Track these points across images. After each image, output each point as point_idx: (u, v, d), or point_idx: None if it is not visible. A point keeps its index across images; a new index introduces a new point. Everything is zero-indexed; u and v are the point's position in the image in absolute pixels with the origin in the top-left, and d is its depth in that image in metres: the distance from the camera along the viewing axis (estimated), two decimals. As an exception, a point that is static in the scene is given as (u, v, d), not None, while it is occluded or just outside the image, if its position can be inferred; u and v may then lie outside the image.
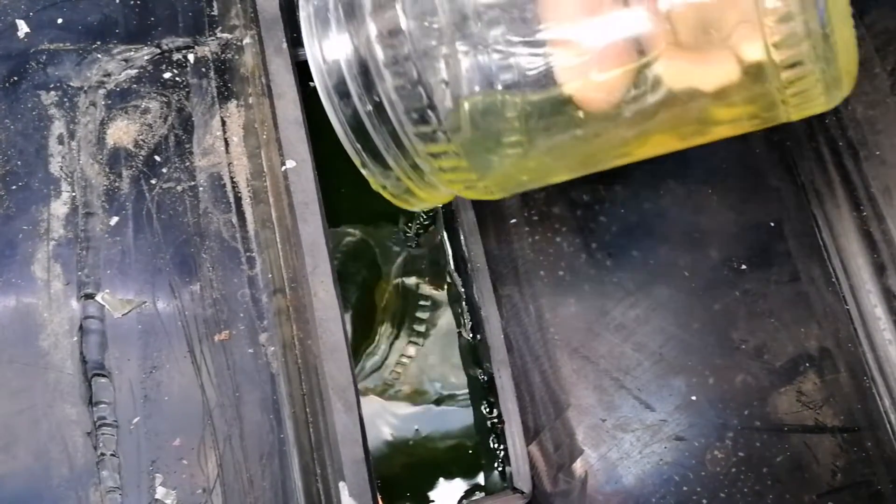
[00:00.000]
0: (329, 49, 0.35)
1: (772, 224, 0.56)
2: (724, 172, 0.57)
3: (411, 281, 0.58)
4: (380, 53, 0.33)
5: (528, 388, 0.52)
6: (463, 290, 0.56)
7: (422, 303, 0.57)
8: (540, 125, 0.34)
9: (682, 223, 0.55)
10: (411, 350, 0.56)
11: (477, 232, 0.53)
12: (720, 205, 0.56)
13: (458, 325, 0.56)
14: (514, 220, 0.54)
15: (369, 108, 0.35)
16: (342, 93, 0.36)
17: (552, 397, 0.52)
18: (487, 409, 0.53)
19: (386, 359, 0.56)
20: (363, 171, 0.38)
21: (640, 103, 0.33)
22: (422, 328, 0.56)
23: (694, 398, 0.52)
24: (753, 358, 0.53)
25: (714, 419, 0.52)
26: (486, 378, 0.53)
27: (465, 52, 0.32)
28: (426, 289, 0.57)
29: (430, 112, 0.33)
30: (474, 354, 0.55)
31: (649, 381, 0.52)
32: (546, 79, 0.32)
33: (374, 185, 0.39)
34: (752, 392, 0.53)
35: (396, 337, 0.56)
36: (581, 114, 0.33)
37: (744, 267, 0.55)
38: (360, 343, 0.57)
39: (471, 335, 0.54)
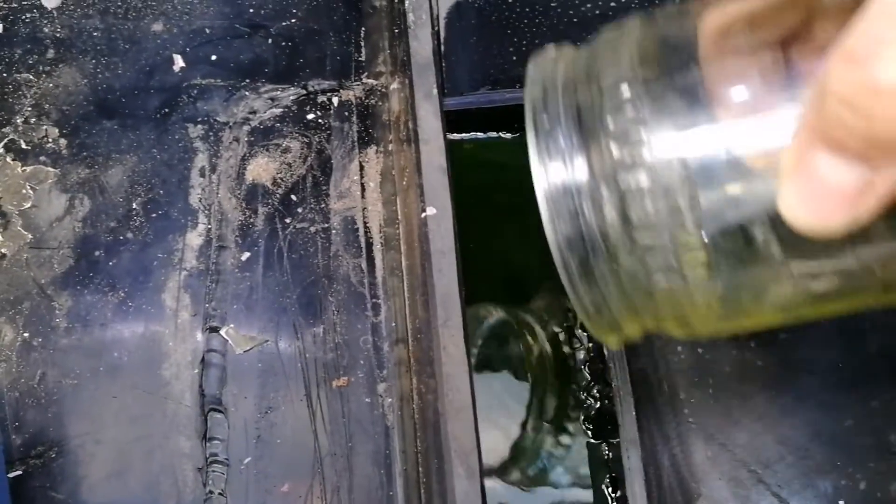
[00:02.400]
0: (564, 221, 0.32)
1: (938, 318, 0.51)
2: (886, 257, 0.52)
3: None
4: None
5: (656, 472, 0.48)
6: (588, 362, 0.53)
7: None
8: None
9: (836, 308, 0.51)
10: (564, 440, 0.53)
11: (613, 299, 0.50)
12: (881, 292, 0.51)
13: (585, 393, 0.53)
14: (652, 290, 0.51)
15: (611, 288, 0.32)
16: (576, 250, 0.32)
17: (681, 484, 0.48)
18: (610, 488, 0.50)
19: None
20: (576, 307, 0.35)
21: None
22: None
23: (842, 503, 0.47)
24: (913, 465, 0.48)
25: (863, 529, 0.47)
26: (609, 454, 0.50)
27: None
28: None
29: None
30: (600, 427, 0.51)
31: (792, 479, 0.47)
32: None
33: (583, 317, 0.36)
34: (910, 503, 0.47)
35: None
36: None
37: (906, 362, 0.50)
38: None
39: (598, 405, 0.51)
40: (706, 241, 0.29)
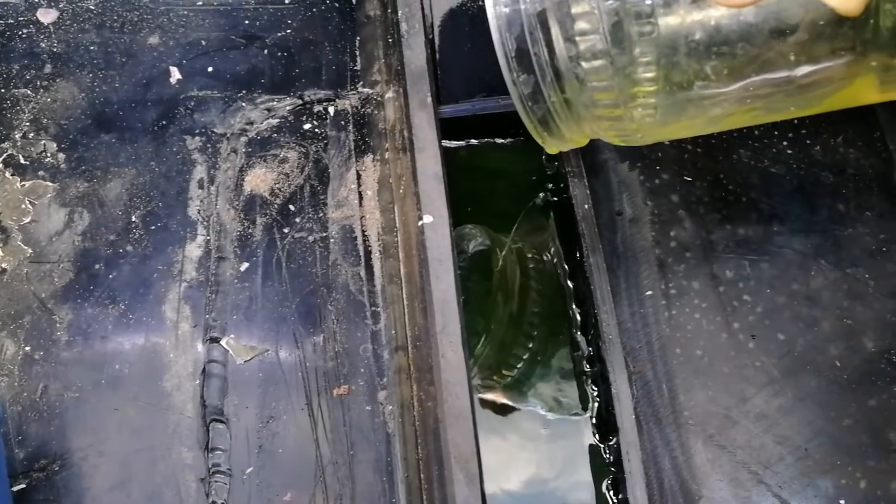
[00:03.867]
0: None
1: (935, 316, 0.51)
2: (882, 256, 0.52)
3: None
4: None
5: (658, 475, 0.48)
6: (588, 364, 0.54)
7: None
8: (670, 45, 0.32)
9: (833, 308, 0.51)
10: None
11: (611, 301, 0.50)
12: (878, 291, 0.52)
13: (583, 395, 0.53)
14: (650, 292, 0.52)
15: (542, 53, 0.34)
16: (512, 24, 0.34)
17: (683, 487, 0.48)
18: (611, 491, 0.50)
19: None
20: (511, 89, 0.36)
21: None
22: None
23: (842, 502, 0.47)
24: (912, 463, 0.48)
25: (864, 528, 0.47)
26: (611, 457, 0.50)
27: None
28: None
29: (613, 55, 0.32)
30: (601, 427, 0.52)
31: (792, 479, 0.48)
32: None
33: (519, 107, 0.37)
34: (910, 501, 0.47)
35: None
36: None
37: (904, 361, 0.50)
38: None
39: (597, 399, 0.51)
40: (652, 46, 0.32)
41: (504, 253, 0.57)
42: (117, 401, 0.47)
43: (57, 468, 0.45)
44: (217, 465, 0.46)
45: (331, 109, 0.56)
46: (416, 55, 0.52)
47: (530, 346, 0.56)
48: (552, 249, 0.58)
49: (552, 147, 0.40)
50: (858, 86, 0.34)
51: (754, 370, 0.50)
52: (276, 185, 0.53)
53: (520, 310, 0.56)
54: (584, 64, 0.34)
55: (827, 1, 0.30)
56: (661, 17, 0.32)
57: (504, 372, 0.56)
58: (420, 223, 0.48)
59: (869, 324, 0.51)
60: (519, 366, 0.56)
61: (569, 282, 0.57)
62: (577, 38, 0.33)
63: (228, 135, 0.55)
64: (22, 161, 0.53)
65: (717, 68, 0.33)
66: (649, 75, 0.33)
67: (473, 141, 0.61)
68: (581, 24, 0.33)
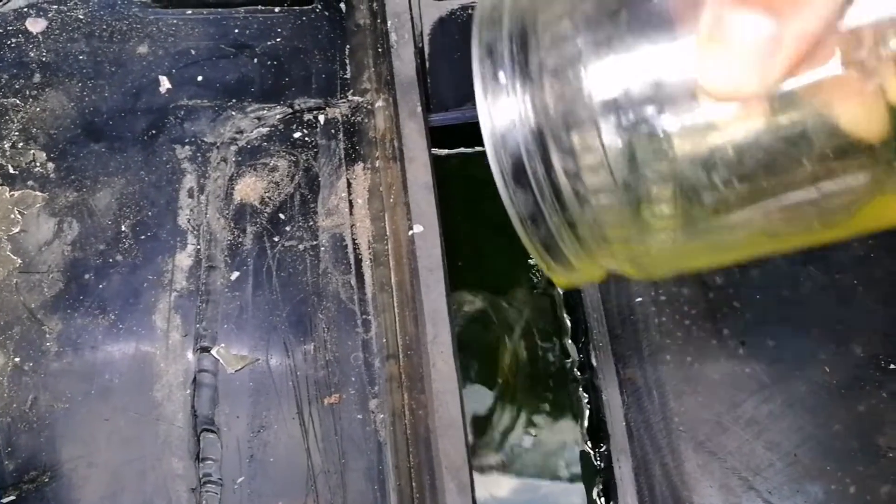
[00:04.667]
0: (503, 121, 0.33)
1: (924, 322, 0.51)
2: (871, 262, 0.53)
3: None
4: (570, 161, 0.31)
5: (648, 481, 0.48)
6: (580, 371, 0.54)
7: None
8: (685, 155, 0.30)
9: (823, 314, 0.51)
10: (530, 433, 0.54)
11: (601, 309, 0.50)
12: (866, 297, 0.52)
13: (574, 402, 0.53)
14: (640, 300, 0.52)
15: (545, 190, 0.33)
16: (515, 158, 0.33)
17: (674, 493, 0.48)
18: (602, 498, 0.50)
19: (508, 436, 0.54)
20: (509, 209, 0.35)
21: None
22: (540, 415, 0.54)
23: (832, 507, 0.47)
24: (901, 468, 0.48)
25: (854, 533, 0.47)
26: (602, 464, 0.50)
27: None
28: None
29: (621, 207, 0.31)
30: (592, 434, 0.52)
31: (782, 484, 0.48)
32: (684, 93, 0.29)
33: (519, 229, 0.36)
34: (899, 506, 0.47)
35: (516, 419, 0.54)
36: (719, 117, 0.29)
37: (893, 367, 0.50)
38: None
39: (588, 409, 0.52)
40: (666, 187, 0.30)
41: (511, 347, 0.56)
42: (107, 411, 0.47)
43: (47, 479, 0.45)
44: (208, 474, 0.46)
45: (321, 118, 0.56)
46: (405, 65, 0.52)
47: (531, 437, 0.55)
48: (564, 339, 0.56)
49: (561, 280, 0.38)
50: (884, 205, 0.33)
51: (744, 376, 0.50)
52: (267, 194, 0.53)
53: (522, 406, 0.56)
54: (584, 177, 0.32)
55: (844, 126, 0.27)
56: (674, 141, 0.31)
57: (502, 456, 0.55)
58: (410, 233, 0.48)
59: (858, 329, 0.51)
60: (517, 451, 0.55)
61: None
62: (578, 151, 0.32)
63: (218, 144, 0.55)
64: (11, 171, 0.53)
65: (723, 192, 0.31)
66: (651, 188, 0.32)
67: (464, 149, 0.61)
68: (577, 140, 0.32)
